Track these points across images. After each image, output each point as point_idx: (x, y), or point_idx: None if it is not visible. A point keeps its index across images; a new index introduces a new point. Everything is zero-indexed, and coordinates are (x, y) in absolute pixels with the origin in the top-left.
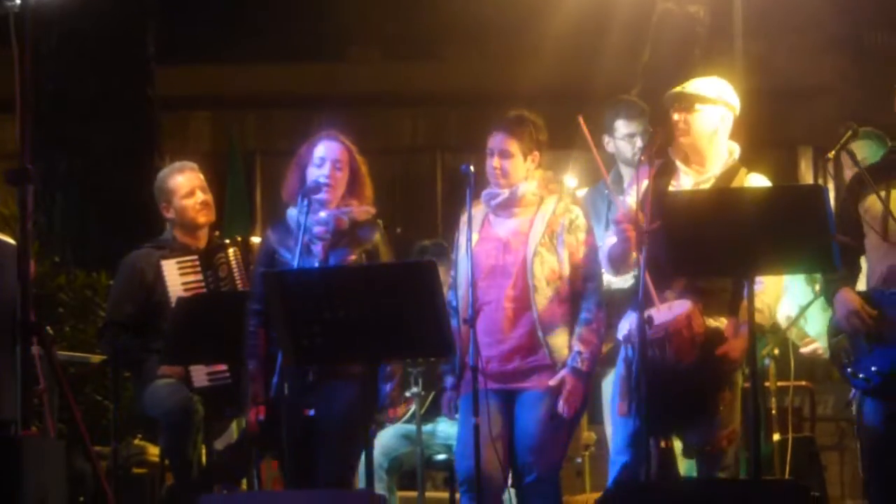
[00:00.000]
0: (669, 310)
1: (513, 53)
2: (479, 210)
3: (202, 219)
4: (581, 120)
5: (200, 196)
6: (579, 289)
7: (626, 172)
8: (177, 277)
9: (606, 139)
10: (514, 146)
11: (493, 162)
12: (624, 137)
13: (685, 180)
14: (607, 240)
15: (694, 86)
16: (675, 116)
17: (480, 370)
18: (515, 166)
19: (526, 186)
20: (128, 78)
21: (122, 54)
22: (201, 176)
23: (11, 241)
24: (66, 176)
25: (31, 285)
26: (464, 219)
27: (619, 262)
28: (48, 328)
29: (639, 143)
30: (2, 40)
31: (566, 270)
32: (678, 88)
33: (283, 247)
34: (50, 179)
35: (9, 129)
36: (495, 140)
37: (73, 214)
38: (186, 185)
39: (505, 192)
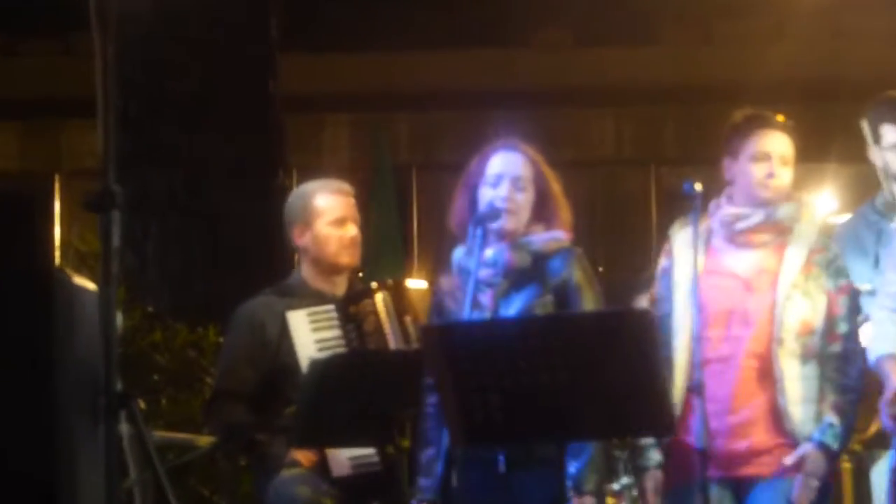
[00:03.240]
0: None
1: (747, 37)
2: (700, 230)
3: (345, 259)
4: (864, 123)
5: (352, 230)
6: (834, 347)
7: None
8: (308, 333)
9: (871, 149)
10: (792, 152)
11: (767, 167)
12: (891, 147)
13: None
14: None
15: None
16: None
17: (706, 452)
18: (790, 179)
19: (788, 209)
20: (243, 70)
21: (236, 39)
22: (355, 203)
23: (91, 285)
24: (163, 199)
25: (116, 344)
26: (678, 246)
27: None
28: (140, 400)
29: None
30: (79, 23)
31: (819, 322)
32: None
33: (451, 297)
34: (142, 204)
35: (89, 139)
36: (774, 140)
37: (173, 250)
38: (338, 210)
39: (757, 214)
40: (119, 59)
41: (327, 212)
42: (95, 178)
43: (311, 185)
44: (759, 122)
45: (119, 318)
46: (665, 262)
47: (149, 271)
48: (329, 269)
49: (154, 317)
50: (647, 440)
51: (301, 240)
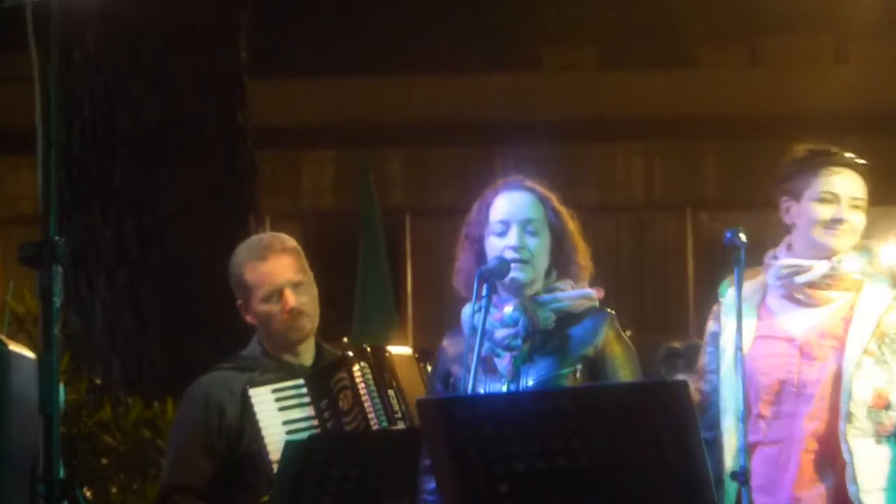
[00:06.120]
0: None
1: (799, 58)
2: (751, 287)
3: (293, 335)
4: None
5: (290, 300)
6: None
7: None
8: (274, 413)
9: None
10: (864, 195)
11: (834, 210)
12: None
13: None
14: None
15: None
16: None
17: None
18: (861, 225)
19: (856, 261)
20: (207, 100)
21: (198, 63)
22: (298, 261)
23: (29, 353)
24: (113, 252)
25: (58, 421)
26: (727, 307)
27: None
28: (86, 489)
29: None
30: (15, 43)
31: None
32: None
33: (459, 362)
34: (88, 256)
35: (26, 179)
36: (844, 182)
37: (124, 311)
38: (268, 281)
39: (820, 266)
40: (61, 86)
41: (257, 287)
42: (33, 226)
43: (239, 254)
44: (826, 159)
45: (62, 392)
46: (713, 327)
47: (96, 336)
48: (283, 344)
49: (103, 390)
50: None
51: (248, 317)
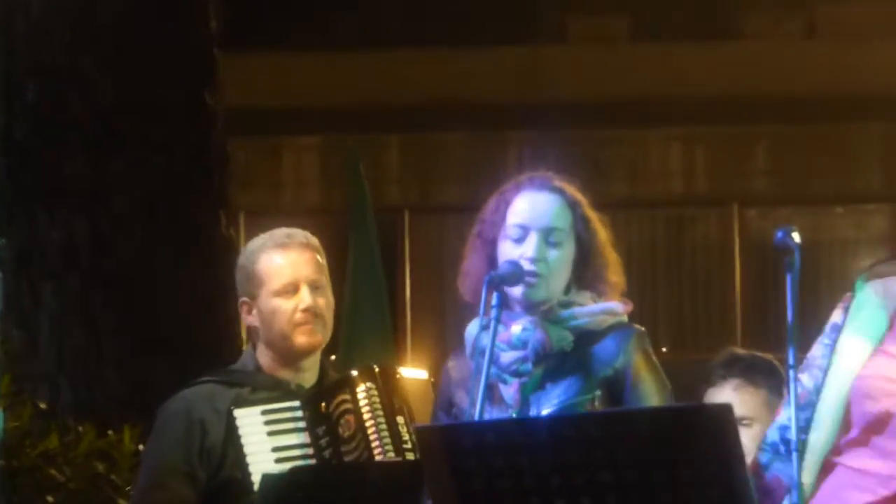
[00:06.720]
0: None
1: (862, 27)
2: (892, 287)
3: (301, 339)
4: None
5: (306, 298)
6: None
7: None
8: (262, 438)
9: None
10: None
11: None
12: None
13: None
14: None
15: None
16: None
17: None
18: None
19: None
20: (171, 78)
21: (161, 34)
22: (321, 261)
23: None
24: (62, 255)
25: None
26: (862, 299)
27: None
28: None
29: None
30: None
31: None
32: None
33: (464, 389)
34: (33, 260)
35: None
36: None
37: (74, 325)
38: (284, 272)
39: None
40: (2, 63)
41: (271, 278)
42: None
43: (254, 243)
44: None
45: (1, 418)
46: (838, 318)
47: (41, 353)
48: (285, 353)
49: (49, 416)
50: None
51: (249, 318)
